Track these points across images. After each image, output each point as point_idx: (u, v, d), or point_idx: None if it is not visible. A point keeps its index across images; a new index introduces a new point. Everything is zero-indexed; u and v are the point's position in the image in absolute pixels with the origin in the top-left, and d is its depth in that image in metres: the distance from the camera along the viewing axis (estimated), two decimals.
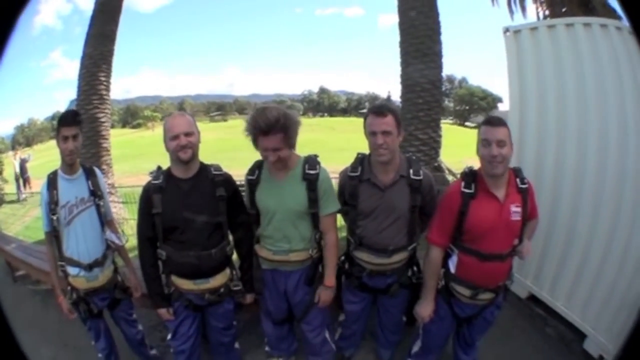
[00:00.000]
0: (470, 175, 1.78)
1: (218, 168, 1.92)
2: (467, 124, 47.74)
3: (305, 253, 1.91)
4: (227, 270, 1.97)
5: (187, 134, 1.77)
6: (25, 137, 54.95)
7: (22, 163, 11.33)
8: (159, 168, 1.91)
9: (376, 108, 1.81)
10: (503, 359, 2.40)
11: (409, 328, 2.26)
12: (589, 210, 2.35)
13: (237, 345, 2.21)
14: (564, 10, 5.72)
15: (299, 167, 1.85)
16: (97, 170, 2.13)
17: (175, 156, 1.79)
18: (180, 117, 1.83)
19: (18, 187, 10.81)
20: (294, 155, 1.86)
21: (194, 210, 1.82)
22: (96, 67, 6.11)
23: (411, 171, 1.86)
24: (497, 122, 1.68)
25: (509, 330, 2.58)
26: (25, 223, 7.94)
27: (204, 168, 1.90)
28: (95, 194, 2.03)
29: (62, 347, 2.98)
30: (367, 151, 1.96)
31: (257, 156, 1.87)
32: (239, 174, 2.11)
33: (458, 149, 8.71)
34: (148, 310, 2.52)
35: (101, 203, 2.04)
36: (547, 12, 6.33)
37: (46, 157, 20.37)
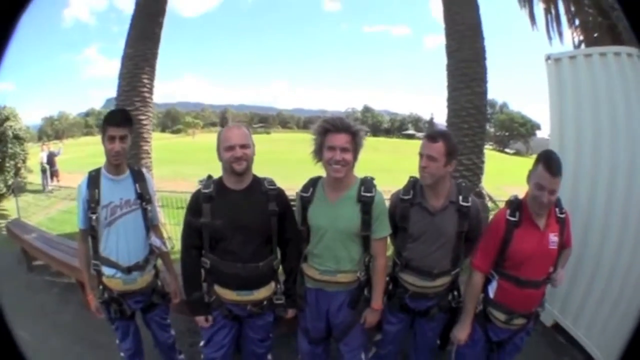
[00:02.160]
0: (515, 204, 1.87)
1: (272, 182, 1.90)
2: (506, 150, 47.25)
3: (353, 275, 1.88)
4: (272, 284, 1.95)
5: (243, 146, 1.76)
6: (54, 130, 54.04)
7: (51, 156, 11.20)
8: (210, 177, 1.90)
9: (431, 132, 1.86)
10: None
11: (439, 352, 2.27)
12: (614, 242, 2.39)
13: (269, 357, 2.18)
14: (595, 35, 5.76)
15: (354, 188, 1.83)
16: (146, 173, 2.12)
17: (229, 167, 1.78)
18: (237, 128, 1.83)
19: (44, 178, 10.63)
20: (352, 174, 1.85)
21: (244, 223, 1.81)
22: (138, 68, 5.79)
23: (460, 197, 1.89)
24: (557, 171, 1.72)
25: (533, 358, 2.58)
26: (50, 215, 7.82)
27: (257, 181, 1.89)
28: (143, 197, 2.02)
29: (75, 340, 2.95)
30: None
31: (298, 171, 1.85)
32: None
33: (497, 175, 8.52)
34: (179, 315, 2.52)
35: (148, 207, 2.03)
36: (581, 37, 6.39)
37: (76, 152, 20.09)
